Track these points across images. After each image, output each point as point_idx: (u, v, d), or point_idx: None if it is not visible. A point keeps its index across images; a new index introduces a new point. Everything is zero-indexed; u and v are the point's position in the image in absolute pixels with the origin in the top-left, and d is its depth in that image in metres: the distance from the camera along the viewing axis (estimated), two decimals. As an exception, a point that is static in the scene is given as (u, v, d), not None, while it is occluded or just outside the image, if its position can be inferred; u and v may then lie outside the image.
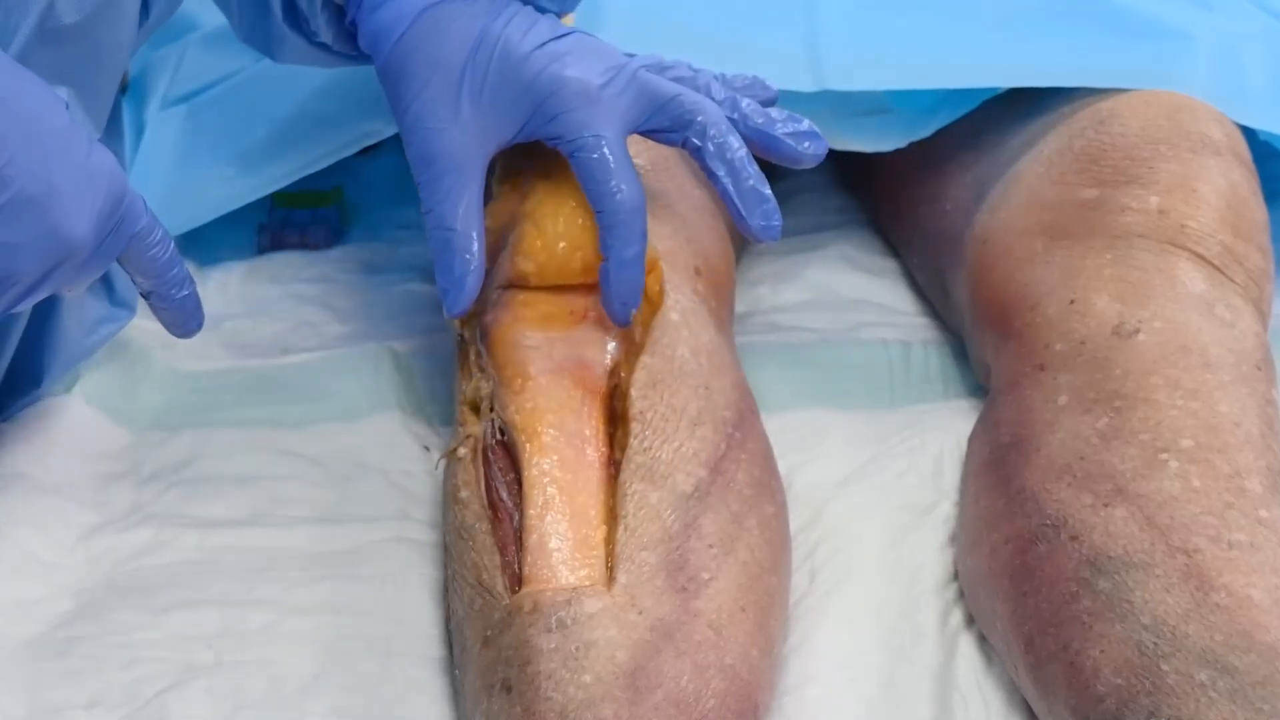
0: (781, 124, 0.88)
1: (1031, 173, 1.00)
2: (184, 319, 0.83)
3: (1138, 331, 0.90)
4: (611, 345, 0.88)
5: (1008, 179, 1.01)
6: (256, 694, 0.84)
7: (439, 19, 0.87)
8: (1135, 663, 0.77)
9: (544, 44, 0.86)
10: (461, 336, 0.91)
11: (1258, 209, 0.97)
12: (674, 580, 0.80)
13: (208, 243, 1.16)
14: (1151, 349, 0.89)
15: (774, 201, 0.87)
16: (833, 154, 1.03)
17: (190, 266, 1.14)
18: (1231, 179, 0.96)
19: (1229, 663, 0.76)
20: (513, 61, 0.86)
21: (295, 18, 0.93)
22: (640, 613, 0.79)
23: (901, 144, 1.07)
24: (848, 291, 1.13)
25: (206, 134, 1.15)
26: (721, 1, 1.08)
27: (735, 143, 0.87)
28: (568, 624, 0.78)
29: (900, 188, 1.13)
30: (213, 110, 1.17)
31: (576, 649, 0.77)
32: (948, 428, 0.99)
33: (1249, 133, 1.03)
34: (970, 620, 0.88)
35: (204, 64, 1.20)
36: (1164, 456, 0.84)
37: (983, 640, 0.87)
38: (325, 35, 0.92)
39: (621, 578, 0.80)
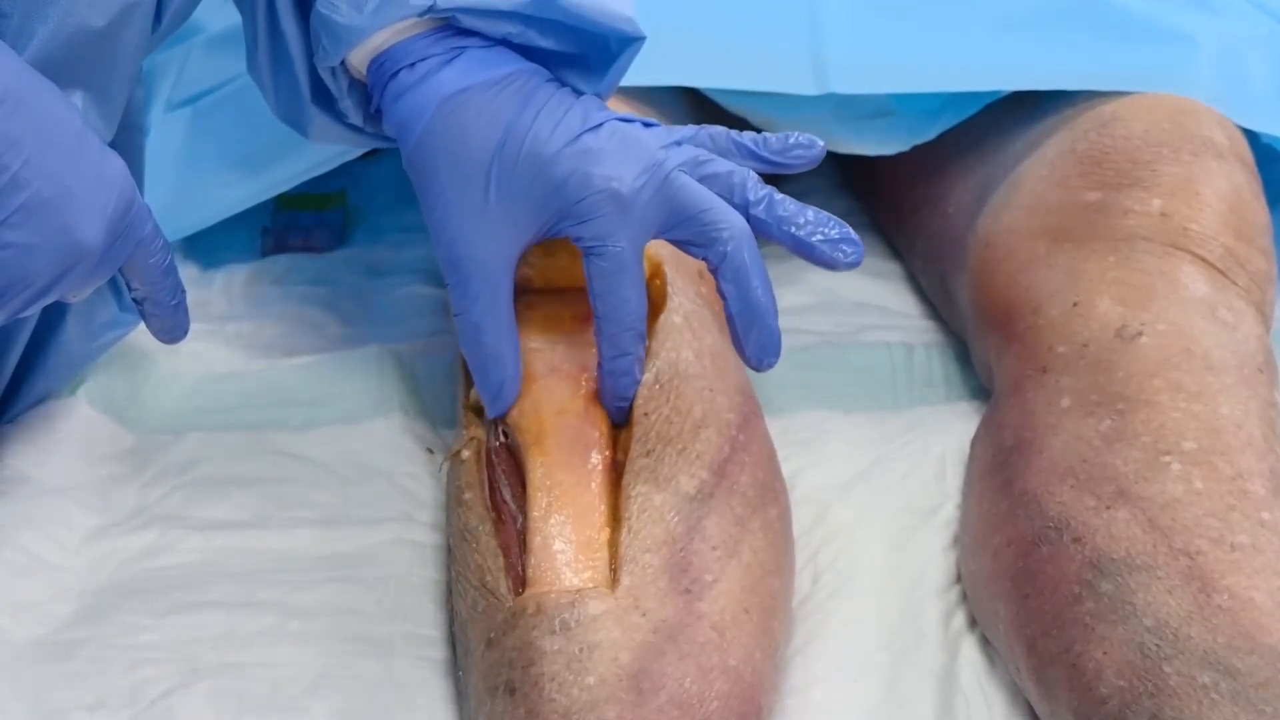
0: (820, 228, 0.83)
1: (1034, 175, 1.00)
2: (173, 326, 0.83)
3: (1140, 334, 0.90)
4: (615, 347, 0.88)
5: (1010, 182, 1.01)
6: (259, 696, 0.84)
7: (461, 111, 0.83)
8: (1138, 665, 0.77)
9: (575, 138, 0.82)
10: (465, 339, 0.91)
11: (1260, 212, 0.97)
12: (677, 582, 0.80)
13: (212, 246, 1.16)
14: (1154, 352, 0.89)
15: (778, 337, 0.84)
16: (836, 157, 1.03)
17: (194, 269, 1.16)
18: (1234, 182, 0.96)
19: (1231, 665, 0.76)
20: (542, 160, 0.82)
21: (325, 98, 0.90)
22: (644, 615, 0.79)
23: (905, 147, 1.07)
24: (851, 294, 1.13)
25: (211, 137, 1.15)
26: (725, 5, 1.08)
27: (754, 276, 0.82)
28: (571, 626, 0.78)
29: (903, 191, 1.13)
30: (217, 114, 1.17)
31: (580, 651, 0.77)
32: (950, 430, 0.99)
33: (1252, 136, 1.03)
34: (973, 622, 0.88)
35: (208, 67, 1.20)
36: (1166, 459, 0.84)
37: (985, 642, 0.87)
38: (354, 117, 0.90)
39: (625, 580, 0.80)
